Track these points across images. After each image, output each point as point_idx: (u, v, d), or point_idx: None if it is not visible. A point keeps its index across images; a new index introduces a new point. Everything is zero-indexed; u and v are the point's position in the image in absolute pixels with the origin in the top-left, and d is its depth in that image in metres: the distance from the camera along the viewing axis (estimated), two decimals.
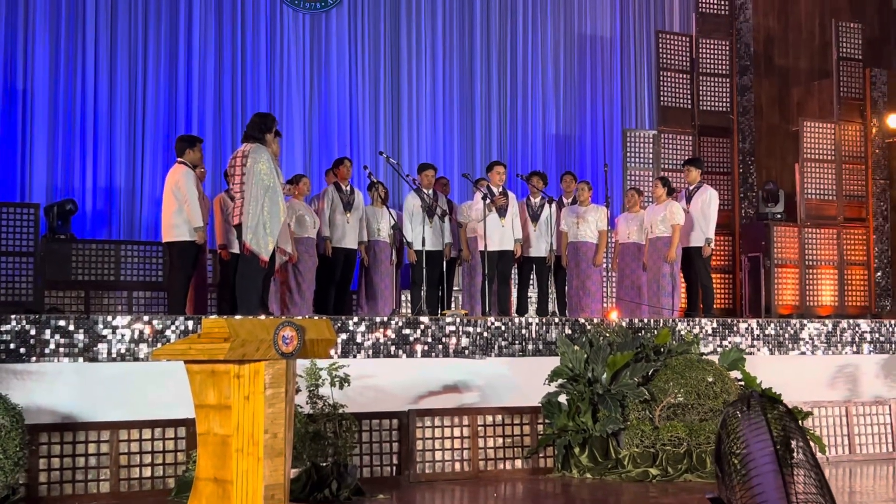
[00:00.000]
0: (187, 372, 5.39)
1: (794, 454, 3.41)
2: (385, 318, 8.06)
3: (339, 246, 10.28)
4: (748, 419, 3.32)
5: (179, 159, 8.95)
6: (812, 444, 3.49)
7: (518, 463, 7.83)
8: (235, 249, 9.03)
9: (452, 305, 10.96)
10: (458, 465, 7.64)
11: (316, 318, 7.53)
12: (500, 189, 10.61)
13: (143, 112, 12.41)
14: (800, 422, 3.64)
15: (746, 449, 3.27)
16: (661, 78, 14.16)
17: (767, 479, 3.14)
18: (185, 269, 8.83)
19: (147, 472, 6.78)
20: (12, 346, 6.83)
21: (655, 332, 8.58)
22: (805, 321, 9.87)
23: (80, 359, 6.99)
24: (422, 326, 8.11)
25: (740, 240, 14.21)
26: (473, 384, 8.13)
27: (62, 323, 7.00)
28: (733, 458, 3.40)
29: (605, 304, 11.45)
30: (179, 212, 8.75)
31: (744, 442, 3.30)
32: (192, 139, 9.18)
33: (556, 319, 8.73)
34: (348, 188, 10.46)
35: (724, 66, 14.50)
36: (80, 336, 7.01)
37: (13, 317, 6.92)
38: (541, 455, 7.88)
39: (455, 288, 11.33)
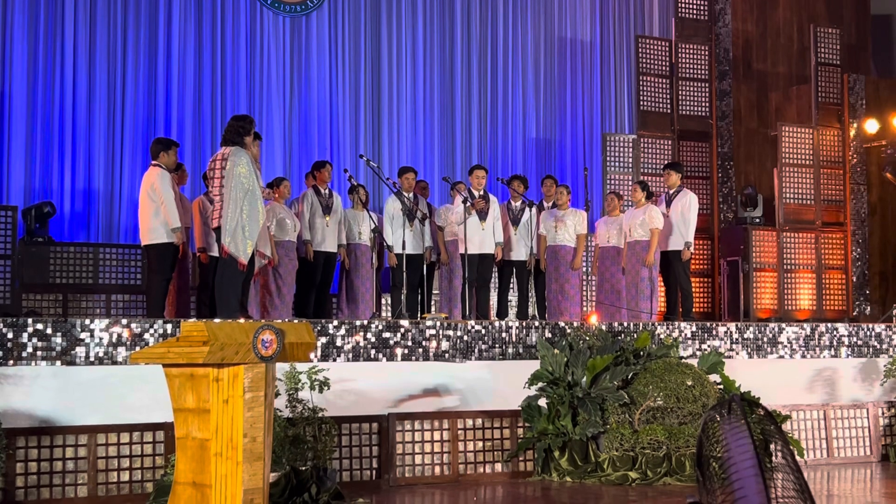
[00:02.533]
0: (166, 375, 5.36)
1: (774, 457, 3.42)
2: (365, 322, 8.05)
3: (318, 249, 10.27)
4: (729, 423, 3.33)
5: (154, 162, 8.91)
6: (791, 447, 3.50)
7: (498, 466, 7.83)
8: (215, 253, 8.99)
9: (433, 309, 10.95)
10: (437, 469, 7.64)
11: (296, 321, 7.51)
12: (481, 192, 10.61)
13: (122, 114, 12.35)
14: (779, 425, 3.66)
15: (727, 453, 3.28)
16: (641, 82, 14.21)
17: (748, 482, 3.14)
18: (163, 271, 8.79)
19: (125, 476, 6.75)
20: None
21: (635, 335, 8.60)
22: (783, 325, 9.92)
23: (58, 362, 6.95)
24: (402, 330, 8.10)
25: (719, 244, 14.26)
26: (453, 388, 8.13)
27: (40, 326, 6.95)
28: (714, 461, 3.40)
29: (584, 308, 11.47)
30: (156, 214, 8.71)
31: (724, 446, 3.31)
32: (167, 142, 9.14)
33: (536, 323, 8.74)
34: (327, 191, 10.44)
35: (703, 71, 14.57)
36: (58, 339, 6.97)
37: None
38: (521, 459, 7.89)
39: (435, 291, 11.33)
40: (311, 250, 10.19)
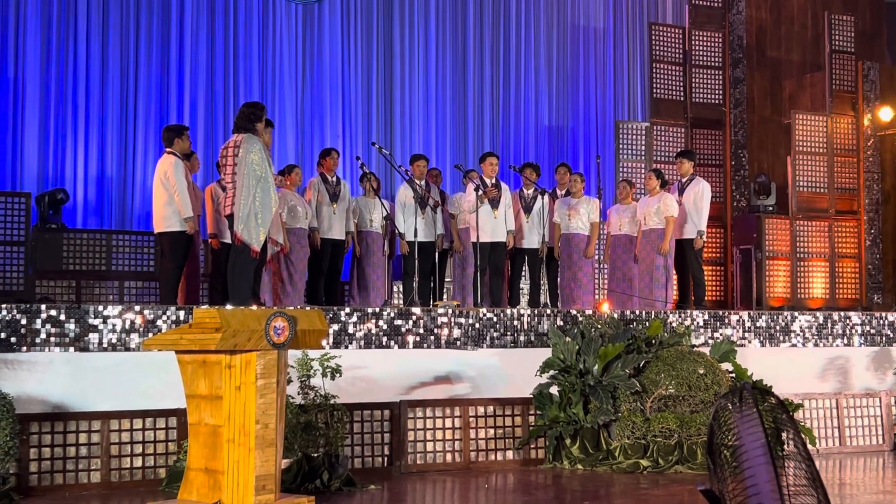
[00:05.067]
0: (178, 362, 5.39)
1: (786, 446, 3.41)
2: (377, 309, 8.06)
3: (325, 237, 10.27)
4: (740, 411, 3.33)
5: (168, 149, 8.92)
6: (803, 436, 3.49)
7: (509, 454, 7.84)
8: (226, 239, 9.01)
9: (444, 296, 10.96)
10: (449, 456, 7.65)
11: (308, 308, 7.52)
12: (493, 180, 10.59)
13: (135, 102, 12.37)
14: (791, 413, 3.65)
15: (738, 441, 3.27)
16: (654, 70, 14.16)
17: (759, 471, 3.14)
18: (176, 259, 8.81)
19: (138, 462, 6.78)
20: (3, 335, 6.81)
21: (647, 323, 8.59)
22: (796, 313, 9.89)
23: (71, 348, 6.98)
24: (414, 317, 8.11)
25: (732, 232, 14.22)
26: (465, 375, 8.13)
27: (53, 312, 6.98)
28: (725, 450, 3.40)
29: (596, 296, 11.46)
30: (170, 202, 8.73)
31: (735, 434, 3.31)
32: (178, 128, 9.15)
33: (548, 311, 8.73)
34: (334, 179, 10.44)
35: (716, 59, 14.51)
36: (71, 326, 7.00)
37: (4, 306, 6.90)
38: (532, 446, 7.89)
39: (447, 279, 11.33)
40: (318, 238, 10.20)
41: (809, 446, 7.34)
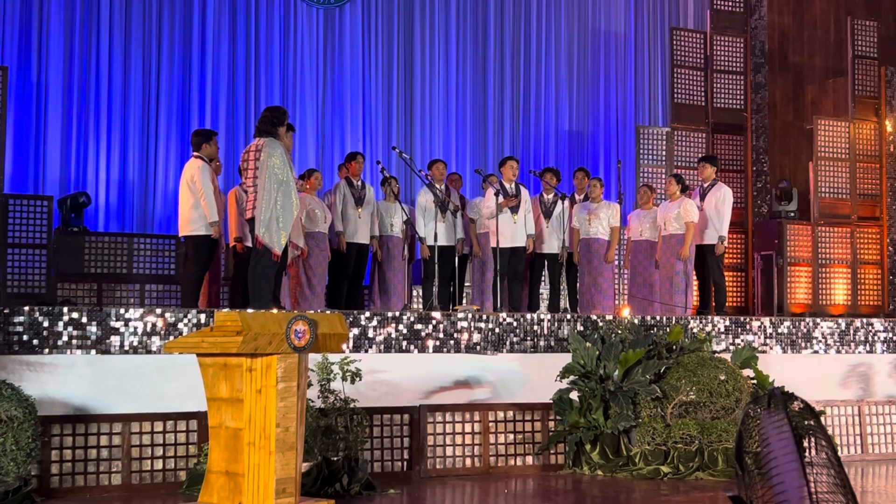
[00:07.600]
0: (199, 365, 5.39)
1: (815, 452, 3.39)
2: (397, 314, 8.05)
3: (351, 241, 10.28)
4: (769, 417, 3.30)
5: (196, 153, 8.95)
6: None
7: (529, 459, 7.82)
8: (249, 243, 9.02)
9: (464, 301, 10.95)
10: (468, 461, 7.63)
11: (328, 312, 7.53)
12: (513, 184, 10.57)
13: (157, 106, 12.43)
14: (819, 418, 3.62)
15: (767, 447, 3.25)
16: (675, 75, 14.12)
17: (789, 477, 3.12)
18: (199, 262, 8.83)
19: (159, 464, 6.79)
20: (25, 337, 6.84)
21: (668, 329, 8.55)
22: (818, 320, 9.84)
23: (93, 351, 7.01)
24: (433, 322, 8.10)
25: (753, 238, 14.16)
26: (485, 380, 8.12)
27: (75, 315, 7.01)
28: (753, 456, 3.38)
29: (617, 301, 11.42)
30: (196, 206, 8.75)
31: (765, 440, 3.28)
32: (207, 133, 9.19)
33: (568, 316, 8.71)
34: (359, 183, 10.45)
35: (738, 64, 14.45)
36: (93, 328, 7.03)
37: (26, 308, 6.93)
38: (552, 452, 7.87)
39: (467, 283, 11.32)
40: (344, 242, 10.21)
41: None
